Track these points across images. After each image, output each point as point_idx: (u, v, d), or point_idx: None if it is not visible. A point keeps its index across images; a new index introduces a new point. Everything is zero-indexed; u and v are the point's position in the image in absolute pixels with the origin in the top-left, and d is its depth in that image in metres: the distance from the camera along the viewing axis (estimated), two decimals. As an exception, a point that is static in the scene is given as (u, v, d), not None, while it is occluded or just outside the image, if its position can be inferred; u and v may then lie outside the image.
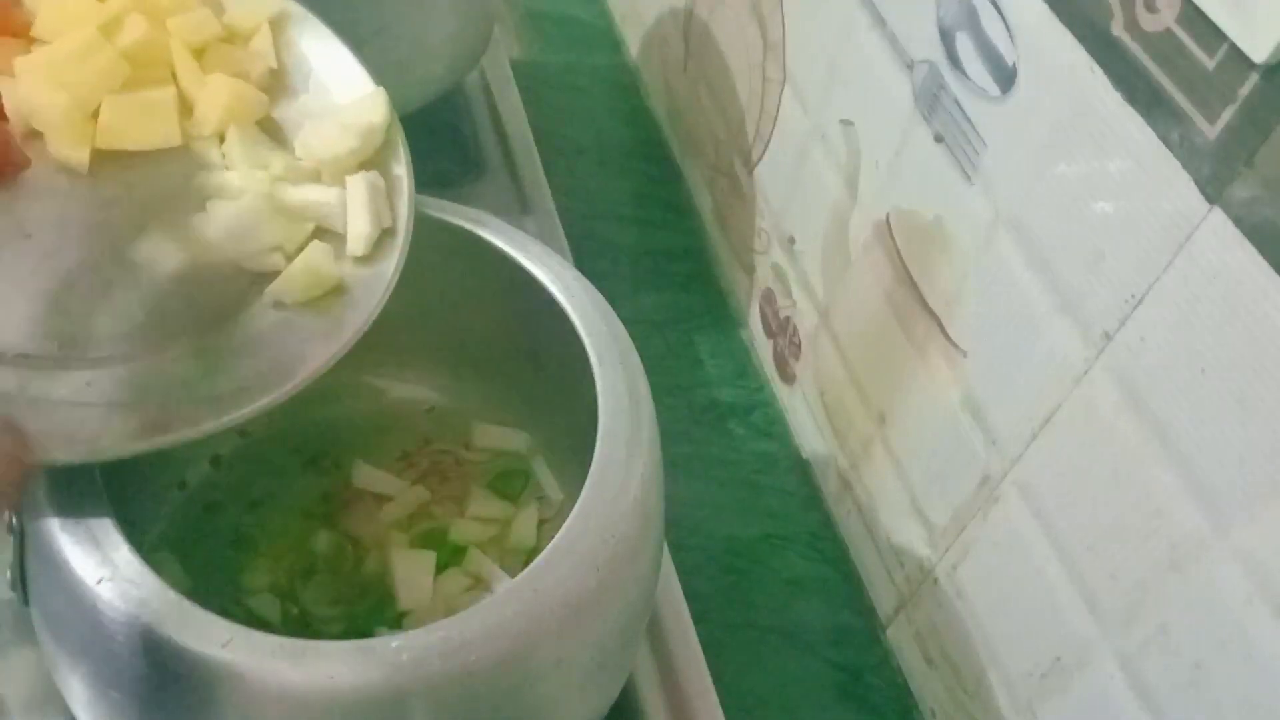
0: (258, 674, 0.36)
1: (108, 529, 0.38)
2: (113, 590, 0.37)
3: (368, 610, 0.51)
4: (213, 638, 0.36)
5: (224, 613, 0.36)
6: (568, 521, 0.41)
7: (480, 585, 0.52)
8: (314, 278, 0.44)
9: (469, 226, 0.50)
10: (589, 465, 0.43)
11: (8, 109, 0.44)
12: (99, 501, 0.38)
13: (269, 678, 0.36)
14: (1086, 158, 0.46)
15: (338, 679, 0.35)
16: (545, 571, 0.39)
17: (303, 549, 0.53)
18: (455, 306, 0.55)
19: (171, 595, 0.37)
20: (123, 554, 0.37)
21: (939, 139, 0.55)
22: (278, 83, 0.49)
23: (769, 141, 0.74)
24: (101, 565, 0.37)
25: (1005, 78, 0.49)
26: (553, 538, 0.40)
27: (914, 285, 0.59)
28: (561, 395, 0.55)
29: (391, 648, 0.36)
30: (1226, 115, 0.39)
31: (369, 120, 0.48)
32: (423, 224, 0.50)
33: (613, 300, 0.49)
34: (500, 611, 0.38)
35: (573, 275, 0.49)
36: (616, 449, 0.43)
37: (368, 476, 0.56)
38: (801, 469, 0.74)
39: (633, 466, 0.42)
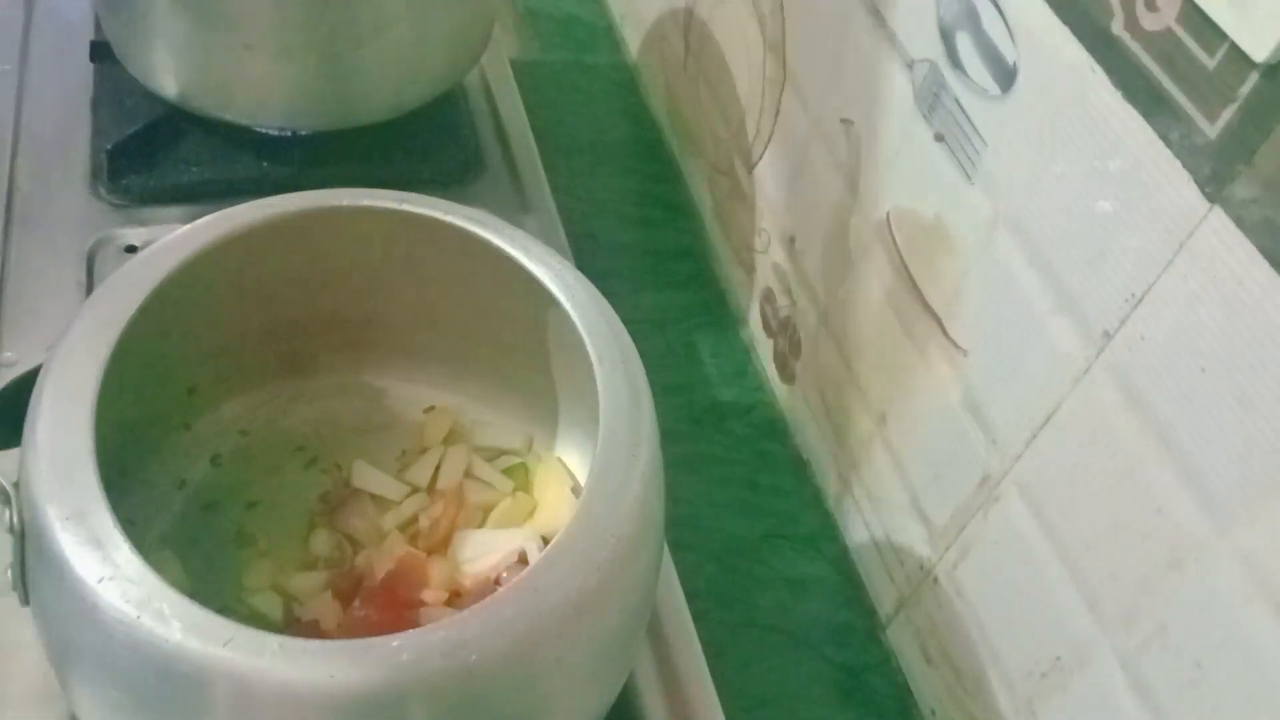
0: (258, 673, 0.36)
1: (108, 528, 0.38)
2: (114, 589, 0.36)
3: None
4: (214, 637, 0.36)
5: (225, 611, 0.36)
6: (568, 521, 0.41)
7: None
8: None
9: (469, 226, 0.50)
10: (589, 465, 0.43)
11: None
12: (99, 501, 0.38)
13: (269, 677, 0.36)
14: (1087, 157, 0.46)
15: (338, 678, 0.35)
16: (545, 571, 0.39)
17: (302, 548, 0.53)
18: (455, 306, 0.55)
19: (172, 594, 0.36)
20: (123, 553, 0.37)
21: (939, 138, 0.55)
22: None
23: (769, 140, 0.74)
24: (102, 564, 0.37)
25: (1005, 77, 0.49)
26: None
27: (914, 284, 0.59)
28: (562, 395, 0.55)
29: (392, 647, 0.36)
30: (1226, 114, 0.39)
31: None
32: (423, 224, 0.50)
33: (613, 300, 0.48)
34: (500, 611, 0.38)
35: (573, 275, 0.49)
36: (617, 449, 0.43)
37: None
38: (801, 469, 0.73)
39: (633, 466, 0.42)
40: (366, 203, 0.50)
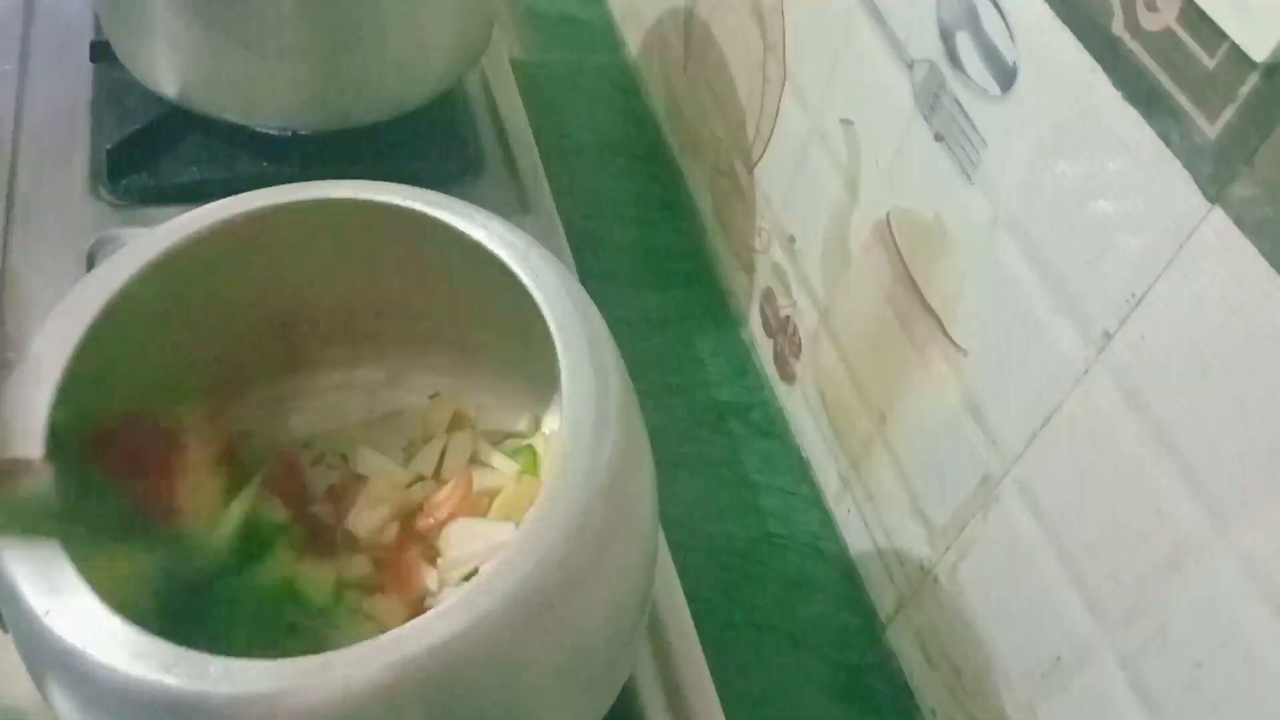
0: (201, 698, 0.34)
1: (57, 556, 0.36)
2: (59, 622, 0.35)
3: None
4: (157, 663, 0.34)
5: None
6: (526, 517, 0.39)
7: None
8: None
9: (431, 210, 0.47)
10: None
11: None
12: (50, 526, 0.37)
13: (208, 702, 0.34)
14: (1087, 157, 0.45)
15: (280, 702, 0.34)
16: (508, 570, 0.37)
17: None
18: (452, 294, 0.53)
19: (119, 626, 0.35)
20: (69, 582, 0.35)
21: (939, 138, 0.55)
22: None
23: (769, 141, 0.74)
24: (48, 596, 0.35)
25: (1005, 77, 0.49)
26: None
27: (914, 285, 0.59)
28: (556, 375, 0.54)
29: (390, 646, 0.36)
30: (1227, 114, 0.39)
31: None
32: (390, 212, 0.49)
33: (613, 300, 0.48)
34: (468, 611, 0.36)
35: (539, 254, 0.46)
36: (581, 438, 0.41)
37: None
38: (801, 469, 0.73)
39: (598, 456, 0.40)
40: (364, 195, 0.49)
